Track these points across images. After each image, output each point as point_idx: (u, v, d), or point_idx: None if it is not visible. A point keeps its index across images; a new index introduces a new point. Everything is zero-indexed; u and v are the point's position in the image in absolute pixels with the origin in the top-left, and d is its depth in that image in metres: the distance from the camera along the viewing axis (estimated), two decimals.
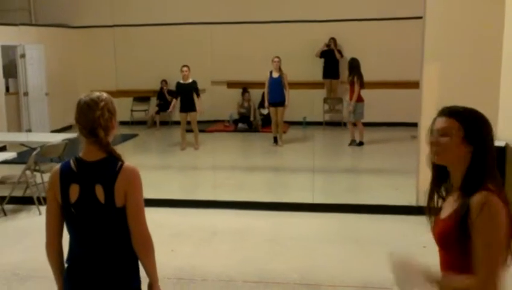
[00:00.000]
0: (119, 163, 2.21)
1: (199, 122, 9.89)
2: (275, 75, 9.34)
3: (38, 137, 8.25)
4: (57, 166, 2.28)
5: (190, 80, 9.35)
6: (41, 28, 11.22)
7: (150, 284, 2.30)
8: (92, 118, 2.19)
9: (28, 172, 6.35)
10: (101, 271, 2.21)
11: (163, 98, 11.59)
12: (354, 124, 9.49)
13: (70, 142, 6.89)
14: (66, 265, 2.31)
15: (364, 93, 9.41)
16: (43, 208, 6.24)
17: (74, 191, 2.19)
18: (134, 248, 2.21)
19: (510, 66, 5.45)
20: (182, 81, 9.39)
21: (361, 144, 9.46)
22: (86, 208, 2.19)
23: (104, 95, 2.27)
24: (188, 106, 9.34)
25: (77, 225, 2.24)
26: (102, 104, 2.22)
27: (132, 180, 2.19)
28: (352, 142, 9.52)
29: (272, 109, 9.49)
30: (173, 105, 9.90)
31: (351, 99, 9.35)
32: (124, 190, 2.17)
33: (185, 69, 9.33)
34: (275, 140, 9.58)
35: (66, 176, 2.21)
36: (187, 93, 9.33)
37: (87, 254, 2.23)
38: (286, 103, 9.37)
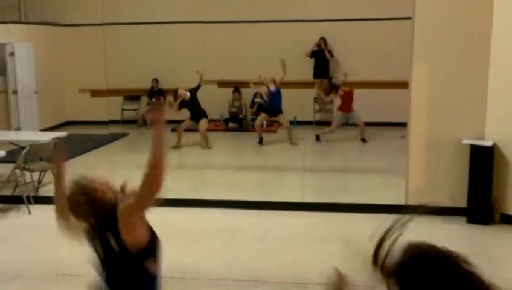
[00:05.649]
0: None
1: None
2: (272, 88, 9.51)
3: (28, 135, 8.20)
4: None
5: (188, 94, 9.37)
6: (31, 26, 11.14)
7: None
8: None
9: (17, 171, 6.31)
10: None
11: (154, 96, 11.58)
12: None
13: (59, 141, 6.87)
14: None
15: (355, 92, 9.54)
16: (33, 207, 6.22)
17: None
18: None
19: (498, 66, 5.51)
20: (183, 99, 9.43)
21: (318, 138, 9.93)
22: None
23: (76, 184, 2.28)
24: (198, 115, 9.34)
25: None
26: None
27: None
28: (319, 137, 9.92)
29: (265, 115, 9.61)
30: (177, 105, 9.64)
31: (350, 110, 9.62)
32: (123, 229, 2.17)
33: (180, 93, 9.39)
34: (260, 140, 9.62)
35: None
36: (193, 102, 9.36)
37: None
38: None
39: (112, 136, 9.59)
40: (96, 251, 2.26)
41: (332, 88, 9.82)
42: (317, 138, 9.89)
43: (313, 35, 10.97)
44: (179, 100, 9.37)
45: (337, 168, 8.29)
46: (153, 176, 2.01)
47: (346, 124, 9.92)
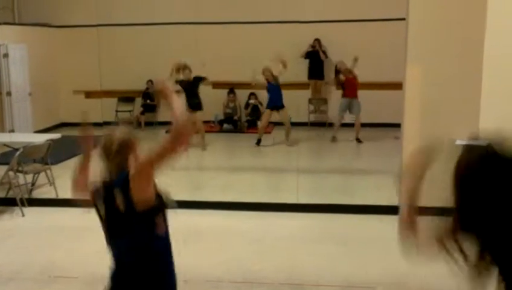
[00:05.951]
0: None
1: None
2: (272, 81, 9.51)
3: (22, 137, 8.16)
4: None
5: (191, 78, 9.28)
6: (25, 28, 11.10)
7: None
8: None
9: (11, 173, 6.29)
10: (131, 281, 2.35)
11: (148, 98, 11.56)
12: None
13: (53, 143, 6.84)
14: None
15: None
16: (26, 210, 6.19)
17: None
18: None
19: (491, 67, 5.52)
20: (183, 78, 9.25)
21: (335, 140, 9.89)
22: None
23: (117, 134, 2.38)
24: (194, 105, 9.18)
25: None
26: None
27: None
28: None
29: (269, 112, 9.59)
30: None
31: (355, 96, 9.67)
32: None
33: (187, 72, 9.27)
34: (259, 142, 9.59)
35: None
36: (193, 90, 9.24)
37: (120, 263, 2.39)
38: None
39: None
40: (102, 212, 2.30)
41: (337, 72, 9.89)
42: (333, 139, 9.88)
43: (307, 37, 10.99)
44: (180, 72, 9.24)
45: (331, 169, 8.30)
46: (181, 134, 2.16)
47: (347, 124, 9.92)
